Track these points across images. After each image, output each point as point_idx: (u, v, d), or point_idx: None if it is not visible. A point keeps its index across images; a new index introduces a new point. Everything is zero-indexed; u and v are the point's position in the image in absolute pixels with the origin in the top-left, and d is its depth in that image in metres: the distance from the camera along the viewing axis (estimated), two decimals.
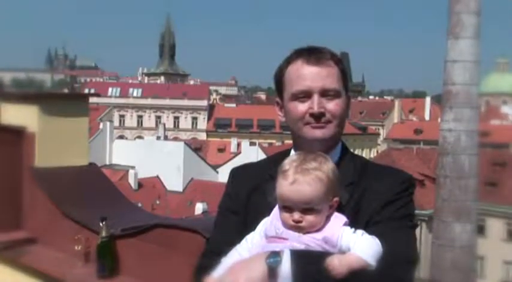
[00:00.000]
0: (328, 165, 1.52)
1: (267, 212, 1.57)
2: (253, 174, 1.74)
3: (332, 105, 1.60)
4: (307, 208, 1.47)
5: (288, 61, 1.66)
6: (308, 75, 1.60)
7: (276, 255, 1.41)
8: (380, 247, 1.44)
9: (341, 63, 1.65)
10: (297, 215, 1.47)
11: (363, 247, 1.42)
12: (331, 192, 1.50)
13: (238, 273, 1.42)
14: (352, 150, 1.76)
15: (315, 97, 1.59)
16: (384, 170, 1.67)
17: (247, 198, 1.68)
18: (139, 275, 3.02)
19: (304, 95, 1.60)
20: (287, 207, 1.49)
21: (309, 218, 1.47)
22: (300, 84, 1.61)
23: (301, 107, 1.61)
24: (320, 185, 1.47)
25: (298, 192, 1.47)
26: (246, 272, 1.41)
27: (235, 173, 1.79)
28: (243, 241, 1.58)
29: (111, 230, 3.08)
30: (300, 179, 1.47)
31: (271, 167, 1.65)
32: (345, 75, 1.66)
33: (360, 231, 1.47)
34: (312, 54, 1.62)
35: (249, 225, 1.60)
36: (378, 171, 1.64)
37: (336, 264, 1.38)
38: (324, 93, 1.60)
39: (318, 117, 1.59)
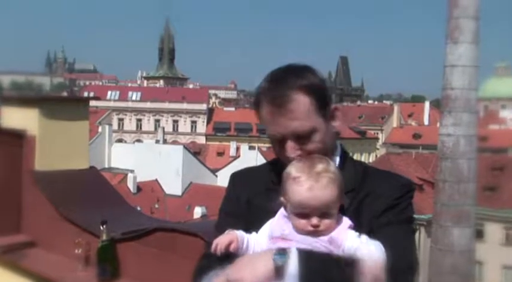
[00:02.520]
0: (333, 166, 1.53)
1: (268, 216, 1.57)
2: (254, 178, 1.75)
3: (309, 145, 1.58)
4: (324, 212, 1.47)
5: (259, 98, 1.60)
6: (275, 122, 1.56)
7: (283, 252, 1.40)
8: (384, 255, 1.44)
9: (315, 87, 1.57)
10: (315, 220, 1.46)
11: (377, 258, 1.40)
12: (342, 192, 1.51)
13: (244, 268, 1.41)
14: (351, 154, 1.76)
15: (288, 143, 1.57)
16: (384, 175, 1.68)
17: (247, 202, 1.68)
18: (140, 278, 3.02)
19: (279, 140, 1.59)
20: (303, 214, 1.48)
21: (326, 222, 1.47)
22: (271, 130, 1.59)
23: (278, 150, 1.61)
24: (334, 187, 1.48)
25: (316, 198, 1.46)
26: (252, 268, 1.40)
27: (236, 177, 1.80)
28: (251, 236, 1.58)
29: (112, 234, 3.08)
30: (315, 185, 1.47)
31: (272, 171, 1.66)
32: (322, 98, 1.58)
33: (364, 237, 1.47)
34: (275, 94, 1.55)
35: (249, 229, 1.60)
36: (378, 176, 1.65)
37: (373, 270, 1.38)
38: (297, 136, 1.56)
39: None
